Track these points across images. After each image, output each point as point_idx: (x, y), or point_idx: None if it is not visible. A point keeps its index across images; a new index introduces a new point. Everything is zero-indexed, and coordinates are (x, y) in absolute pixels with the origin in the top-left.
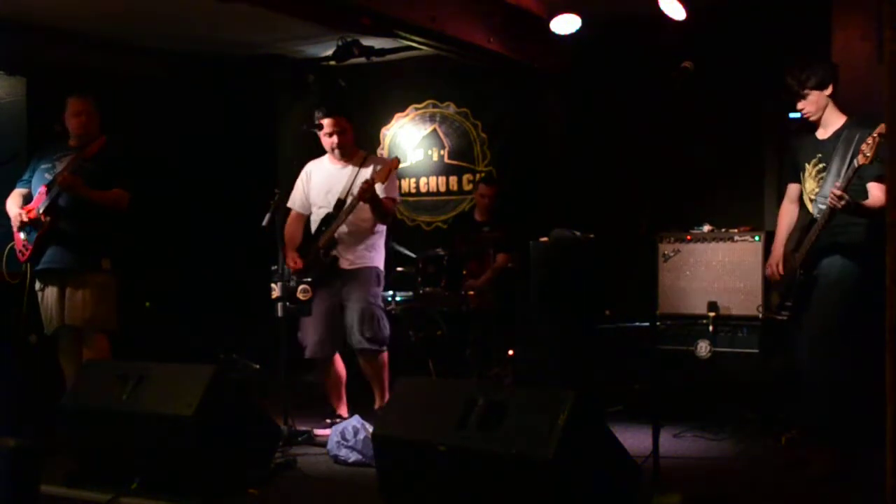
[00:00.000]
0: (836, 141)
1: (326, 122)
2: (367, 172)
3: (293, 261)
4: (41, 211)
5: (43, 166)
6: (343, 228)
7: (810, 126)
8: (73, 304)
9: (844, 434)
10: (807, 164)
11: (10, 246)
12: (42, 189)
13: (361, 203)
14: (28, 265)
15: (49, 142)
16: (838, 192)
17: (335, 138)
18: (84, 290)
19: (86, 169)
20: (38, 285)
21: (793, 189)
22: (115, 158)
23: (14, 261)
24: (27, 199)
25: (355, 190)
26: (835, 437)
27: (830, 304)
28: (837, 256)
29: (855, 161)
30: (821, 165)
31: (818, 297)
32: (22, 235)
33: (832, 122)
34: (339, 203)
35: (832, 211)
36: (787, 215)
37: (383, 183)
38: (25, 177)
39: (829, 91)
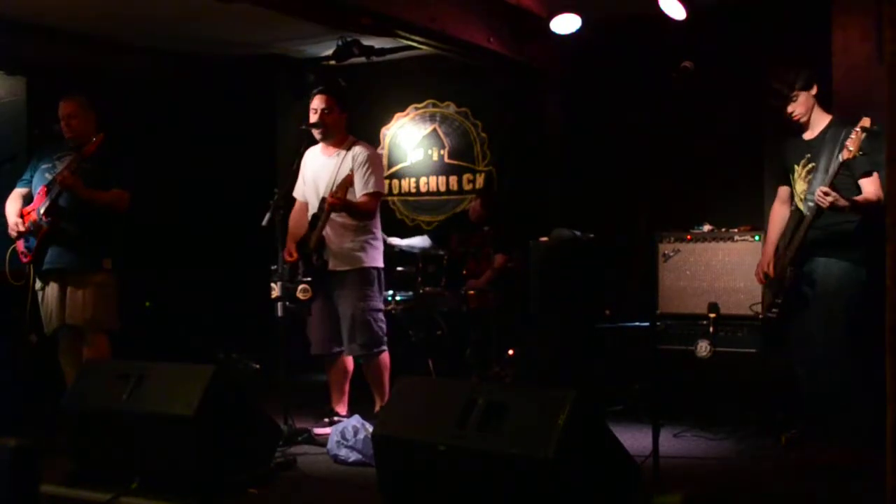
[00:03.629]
0: (822, 140)
1: (314, 99)
2: (347, 166)
3: (289, 253)
4: (41, 212)
5: (43, 166)
6: (328, 229)
7: (794, 128)
8: (73, 304)
9: (850, 434)
10: (796, 166)
11: (12, 248)
12: (42, 189)
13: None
14: (30, 266)
15: (49, 142)
16: (824, 190)
17: (318, 115)
18: (84, 290)
19: (85, 169)
20: (38, 285)
21: (782, 191)
22: (114, 158)
23: (16, 261)
24: (27, 198)
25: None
26: (840, 437)
27: (835, 316)
28: (834, 260)
29: (840, 156)
30: (810, 166)
31: (820, 308)
32: (21, 244)
33: (818, 122)
34: (324, 202)
35: (819, 209)
36: (778, 217)
37: (342, 199)
38: (26, 176)
39: (814, 91)
